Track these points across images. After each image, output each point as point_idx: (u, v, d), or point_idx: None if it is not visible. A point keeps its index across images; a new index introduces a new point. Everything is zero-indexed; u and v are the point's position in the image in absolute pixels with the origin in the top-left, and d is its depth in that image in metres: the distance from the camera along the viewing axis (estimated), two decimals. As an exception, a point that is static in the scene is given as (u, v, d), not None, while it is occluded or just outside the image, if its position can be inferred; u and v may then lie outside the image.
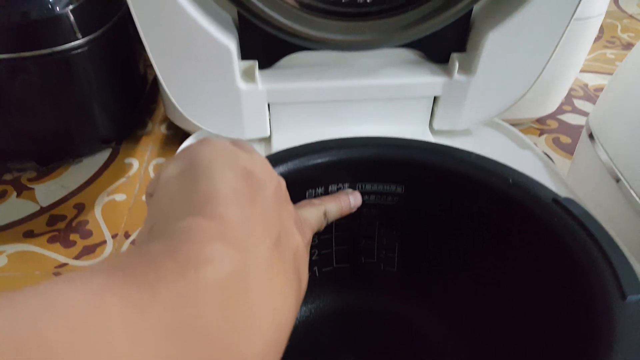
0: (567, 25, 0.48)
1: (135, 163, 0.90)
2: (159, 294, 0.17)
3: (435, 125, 0.56)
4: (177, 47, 0.46)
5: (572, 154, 0.91)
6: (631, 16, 1.50)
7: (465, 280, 0.45)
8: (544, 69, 0.51)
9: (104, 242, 0.73)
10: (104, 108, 0.84)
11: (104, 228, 0.76)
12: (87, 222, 0.77)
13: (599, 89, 1.11)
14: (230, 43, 0.46)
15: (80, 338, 0.15)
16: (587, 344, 0.30)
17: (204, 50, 0.46)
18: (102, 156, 0.91)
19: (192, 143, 0.28)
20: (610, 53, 1.27)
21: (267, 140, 0.55)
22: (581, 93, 1.09)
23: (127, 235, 0.74)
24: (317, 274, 0.47)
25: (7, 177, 0.86)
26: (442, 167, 0.42)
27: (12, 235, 0.75)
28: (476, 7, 0.50)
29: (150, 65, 0.73)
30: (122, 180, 0.86)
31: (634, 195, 0.49)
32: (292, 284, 0.24)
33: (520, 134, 0.56)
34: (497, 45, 0.49)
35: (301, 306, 0.27)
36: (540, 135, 0.96)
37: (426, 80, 0.52)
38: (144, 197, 0.81)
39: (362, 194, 0.43)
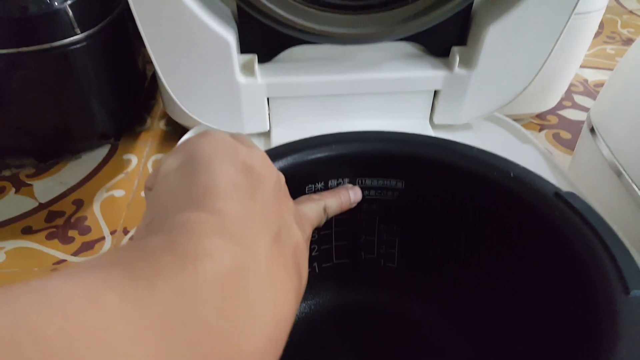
0: (568, 19, 0.48)
1: (134, 159, 0.89)
2: (157, 289, 0.17)
3: (436, 120, 0.56)
4: (176, 41, 0.46)
5: (572, 149, 0.91)
6: (631, 12, 1.49)
7: (465, 275, 0.45)
8: (544, 63, 0.51)
9: (103, 238, 0.73)
10: (103, 104, 0.83)
11: (103, 224, 0.75)
12: (85, 218, 0.76)
13: (599, 85, 1.10)
14: (229, 36, 0.46)
15: (77, 334, 0.14)
16: (590, 339, 0.30)
17: (203, 44, 0.46)
18: (101, 152, 0.91)
19: (192, 136, 0.27)
20: (610, 49, 1.27)
21: (267, 134, 0.55)
22: (581, 88, 1.09)
23: (125, 232, 0.74)
24: (317, 270, 0.47)
25: (6, 173, 0.86)
26: (443, 162, 0.42)
27: (11, 231, 0.74)
28: (477, 1, 0.50)
29: (150, 61, 0.72)
30: (121, 176, 0.85)
31: (636, 189, 0.49)
32: (292, 279, 0.24)
33: (521, 128, 0.56)
34: (498, 39, 0.49)
35: (301, 302, 0.27)
36: (540, 130, 0.96)
37: (427, 74, 0.52)
38: (142, 193, 0.81)
39: (362, 189, 0.43)
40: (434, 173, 0.43)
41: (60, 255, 0.70)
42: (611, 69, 1.16)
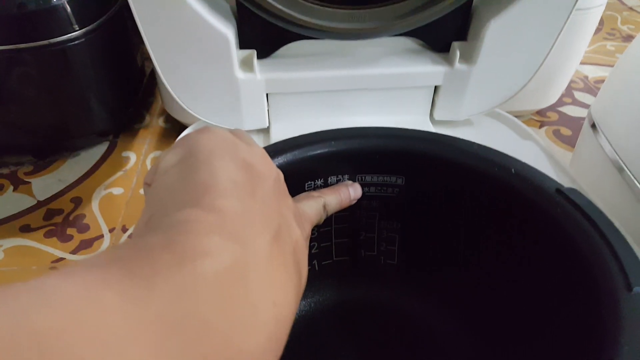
0: (569, 15, 0.47)
1: (132, 156, 0.89)
2: (156, 288, 0.17)
3: (436, 116, 0.56)
4: (174, 37, 0.46)
5: (572, 146, 0.90)
6: (631, 8, 1.49)
7: (466, 272, 0.44)
8: (545, 59, 0.51)
9: (101, 236, 0.73)
10: (101, 101, 0.83)
11: (101, 222, 0.75)
12: (84, 216, 0.76)
13: (599, 81, 1.10)
14: (228, 32, 0.46)
15: (76, 333, 0.14)
16: (593, 336, 0.29)
17: (202, 39, 0.46)
18: (100, 149, 0.91)
19: (192, 132, 0.27)
20: (610, 45, 1.26)
21: (266, 131, 0.55)
22: (581, 85, 1.09)
23: (124, 230, 0.74)
24: (317, 268, 0.47)
25: (4, 171, 0.86)
26: (444, 158, 0.42)
27: (9, 229, 0.74)
28: (477, -5, 0.50)
29: (148, 58, 0.72)
30: (120, 173, 0.85)
31: (638, 184, 0.48)
32: (292, 278, 0.24)
33: (522, 124, 0.56)
34: (498, 34, 0.48)
35: (301, 300, 0.27)
36: (540, 127, 0.96)
37: (427, 69, 0.52)
38: (141, 191, 0.81)
39: (362, 185, 0.43)
40: (434, 169, 0.43)
41: (58, 253, 0.70)
42: (611, 66, 1.16)
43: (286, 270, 0.23)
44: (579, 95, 1.05)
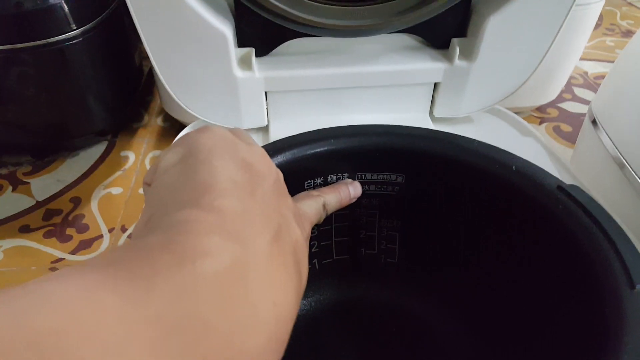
0: (569, 10, 0.47)
1: (131, 156, 0.89)
2: (156, 289, 0.17)
3: (436, 113, 0.56)
4: (172, 36, 0.45)
5: (572, 142, 0.90)
6: (630, 3, 1.48)
7: (467, 271, 0.44)
8: (545, 55, 0.50)
9: (101, 236, 0.72)
10: (100, 100, 0.83)
11: (101, 222, 0.75)
12: (83, 216, 0.76)
13: (599, 77, 1.10)
14: (226, 30, 0.45)
15: (74, 336, 0.14)
16: (596, 335, 0.29)
17: (200, 37, 0.45)
18: (98, 149, 0.90)
19: (191, 131, 0.27)
20: (609, 40, 1.26)
21: (265, 129, 0.55)
22: (581, 81, 1.08)
23: (123, 229, 0.74)
24: (317, 267, 0.47)
25: (3, 171, 0.85)
26: (444, 155, 0.42)
27: (8, 230, 0.74)
28: (477, -8, 0.50)
29: (146, 57, 0.72)
30: (119, 173, 0.85)
31: (639, 180, 0.48)
32: (292, 278, 0.24)
33: (522, 121, 0.56)
34: (498, 30, 0.48)
35: (301, 299, 0.27)
36: (540, 123, 0.95)
37: (426, 66, 0.51)
38: (141, 190, 0.81)
39: (362, 183, 0.43)
40: (434, 167, 0.42)
41: (58, 253, 0.70)
42: (611, 61, 1.16)
43: (286, 270, 0.23)
44: (578, 91, 1.05)
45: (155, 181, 0.25)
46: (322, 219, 0.36)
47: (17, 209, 0.78)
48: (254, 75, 0.49)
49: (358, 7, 0.46)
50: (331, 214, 0.39)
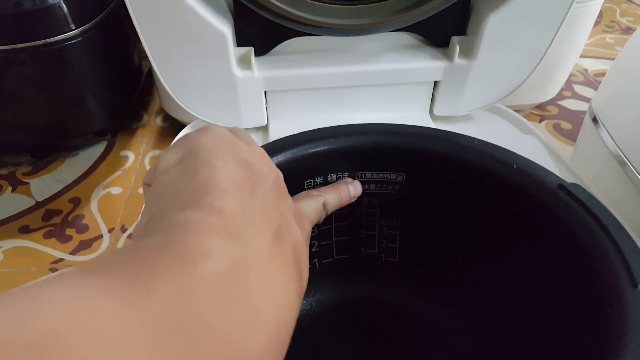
0: (569, 8, 0.47)
1: (131, 156, 0.89)
2: (156, 291, 0.17)
3: (436, 111, 0.55)
4: (171, 35, 0.45)
5: (573, 139, 0.90)
6: (630, 0, 1.48)
7: (468, 270, 0.44)
8: (545, 52, 0.50)
9: (100, 236, 0.72)
10: (99, 100, 0.83)
11: (100, 222, 0.75)
12: (83, 216, 0.76)
13: (599, 74, 1.10)
14: (225, 29, 0.45)
15: (73, 338, 0.14)
16: (597, 334, 0.29)
17: (199, 37, 0.45)
18: (98, 149, 0.90)
19: (192, 131, 0.27)
20: (609, 38, 1.26)
21: (264, 128, 0.54)
22: (581, 78, 1.08)
23: (123, 229, 0.74)
24: (317, 266, 0.47)
25: (2, 171, 0.85)
26: (444, 154, 0.42)
27: (8, 230, 0.74)
28: (476, -11, 0.49)
29: (145, 57, 0.71)
30: (118, 173, 0.85)
31: (640, 179, 0.48)
32: (293, 279, 0.24)
33: (523, 119, 0.55)
34: (498, 28, 0.48)
35: (302, 300, 0.27)
36: (540, 121, 0.95)
37: (426, 64, 0.51)
38: (140, 190, 0.81)
39: (362, 183, 0.43)
40: (435, 165, 0.42)
41: (58, 254, 0.70)
42: (611, 58, 1.16)
43: (287, 271, 0.23)
44: (578, 89, 1.05)
45: (155, 181, 0.25)
46: (322, 219, 0.36)
47: (16, 209, 0.78)
48: (253, 75, 0.49)
49: (358, 6, 0.46)
50: (331, 213, 0.39)
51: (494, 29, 0.48)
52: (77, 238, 0.72)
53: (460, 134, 0.42)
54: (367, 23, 0.47)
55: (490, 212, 0.41)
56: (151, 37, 0.45)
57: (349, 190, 0.40)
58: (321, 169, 0.42)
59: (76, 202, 0.79)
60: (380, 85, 0.53)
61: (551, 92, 0.93)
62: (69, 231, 0.74)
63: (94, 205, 0.78)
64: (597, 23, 1.30)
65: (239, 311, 0.19)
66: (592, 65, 1.13)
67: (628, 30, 1.30)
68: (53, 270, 0.67)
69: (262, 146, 0.37)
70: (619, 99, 0.54)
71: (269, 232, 0.23)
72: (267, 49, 0.51)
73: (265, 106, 0.53)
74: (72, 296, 0.15)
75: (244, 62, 0.49)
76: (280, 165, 0.38)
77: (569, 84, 1.05)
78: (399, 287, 0.47)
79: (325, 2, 0.46)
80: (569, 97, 1.02)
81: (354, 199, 0.41)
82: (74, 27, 0.72)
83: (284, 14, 0.45)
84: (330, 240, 0.47)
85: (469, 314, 0.44)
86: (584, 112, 0.96)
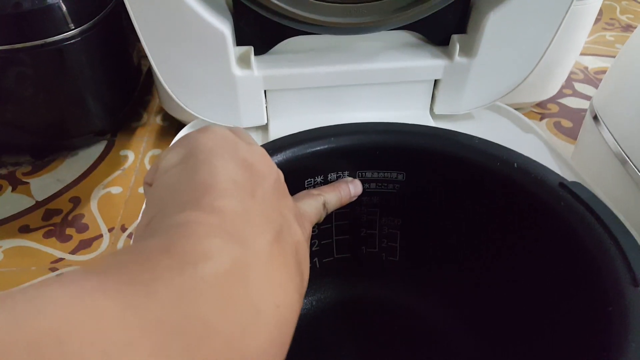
0: (569, 6, 0.47)
1: (130, 155, 0.88)
2: (155, 292, 0.17)
3: (436, 110, 0.55)
4: (170, 35, 0.45)
5: (573, 137, 0.90)
6: (630, -2, 1.48)
7: (468, 269, 0.44)
8: (546, 50, 0.50)
9: (100, 235, 0.72)
10: (98, 99, 0.83)
11: (100, 221, 0.75)
12: (82, 215, 0.76)
13: (599, 72, 1.10)
14: (224, 28, 0.45)
15: (73, 340, 0.14)
16: (599, 333, 0.29)
17: (198, 36, 0.45)
18: (97, 149, 0.90)
19: (192, 131, 0.27)
20: (609, 35, 1.26)
21: (264, 128, 0.54)
22: (581, 76, 1.08)
23: (123, 229, 0.73)
24: (318, 265, 0.47)
25: (2, 171, 0.85)
26: (444, 153, 0.41)
27: (8, 230, 0.74)
28: (476, -13, 0.49)
29: (145, 56, 0.71)
30: (118, 172, 0.84)
31: (641, 177, 0.48)
32: (294, 278, 0.23)
33: (523, 117, 0.55)
34: (498, 26, 0.48)
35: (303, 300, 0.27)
36: (541, 119, 0.95)
37: (426, 63, 0.51)
38: (140, 189, 0.81)
39: (363, 181, 0.43)
40: (435, 164, 0.42)
41: (58, 253, 0.70)
42: (611, 56, 1.16)
43: (288, 271, 0.23)
44: (579, 87, 1.05)
45: (156, 181, 0.25)
46: (323, 218, 0.36)
47: (16, 209, 0.78)
48: (252, 74, 0.49)
49: (357, 5, 0.46)
50: (332, 213, 0.39)
51: (494, 27, 0.48)
52: (77, 237, 0.72)
53: (460, 133, 0.42)
54: (367, 22, 0.47)
55: (491, 210, 0.41)
56: (150, 37, 0.45)
57: (349, 189, 0.40)
58: (321, 168, 0.42)
59: (76, 201, 0.79)
60: (380, 84, 0.53)
61: (551, 90, 0.93)
62: (69, 231, 0.73)
63: (93, 205, 0.78)
64: (597, 20, 1.30)
65: (240, 312, 0.19)
66: (593, 63, 1.13)
67: (628, 28, 1.30)
68: (53, 269, 0.67)
69: (262, 145, 0.37)
70: (620, 97, 0.54)
71: (270, 233, 0.23)
72: (266, 48, 0.51)
73: (265, 105, 0.53)
74: (73, 297, 0.15)
75: (244, 62, 0.49)
76: (280, 165, 0.38)
77: (569, 82, 1.05)
78: (399, 286, 0.47)
79: (324, 1, 0.46)
80: (569, 95, 1.02)
81: (354, 198, 0.41)
82: (73, 27, 0.72)
83: (283, 13, 0.45)
84: (330, 239, 0.46)
85: (470, 314, 0.44)
86: (584, 110, 0.96)
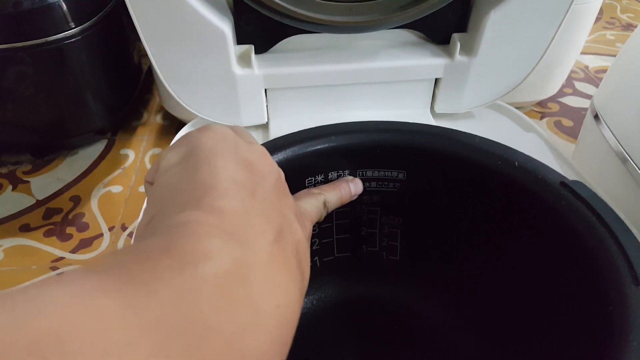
0: (570, 5, 0.47)
1: (131, 154, 0.88)
2: (155, 292, 0.17)
3: (437, 109, 0.55)
4: (171, 33, 0.45)
5: (574, 136, 0.90)
6: (630, -3, 1.48)
7: (469, 268, 0.44)
8: (547, 49, 0.50)
9: (101, 234, 0.72)
10: (99, 98, 0.83)
11: (101, 220, 0.75)
12: (83, 214, 0.76)
13: (600, 71, 1.10)
14: (225, 27, 0.45)
15: (73, 340, 0.14)
16: (600, 332, 0.29)
17: (199, 35, 0.45)
18: (98, 148, 0.90)
19: (193, 130, 0.27)
20: (610, 34, 1.26)
21: (265, 126, 0.54)
22: (582, 75, 1.08)
23: (123, 228, 0.73)
24: (318, 264, 0.47)
25: (3, 170, 0.85)
26: (445, 151, 0.41)
27: (8, 229, 0.74)
28: (477, -14, 0.49)
29: (145, 55, 0.71)
30: (118, 171, 0.84)
31: (642, 176, 0.48)
32: (295, 278, 0.23)
33: (524, 116, 0.55)
34: (498, 24, 0.48)
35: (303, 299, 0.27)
36: (541, 118, 0.95)
37: (427, 62, 0.51)
38: (140, 188, 0.81)
39: (363, 180, 0.42)
40: (435, 163, 0.42)
41: (58, 252, 0.70)
42: (612, 55, 1.16)
43: (288, 271, 0.23)
44: (579, 86, 1.04)
45: (157, 180, 0.25)
46: (323, 217, 0.36)
47: (17, 208, 0.78)
48: (253, 73, 0.49)
49: (358, 3, 0.46)
50: (332, 211, 0.39)
51: (495, 26, 0.48)
52: (77, 236, 0.72)
53: (461, 132, 0.42)
54: (367, 20, 0.47)
55: (492, 209, 0.41)
56: (151, 36, 0.45)
57: (350, 188, 0.40)
58: (322, 167, 0.42)
59: (76, 200, 0.79)
60: (380, 83, 0.53)
61: (552, 89, 0.93)
62: (70, 230, 0.74)
63: (94, 204, 0.78)
64: (597, 19, 1.30)
65: (240, 312, 0.19)
66: (593, 62, 1.13)
67: (629, 27, 1.30)
68: (53, 268, 0.67)
69: (262, 144, 0.37)
70: (621, 96, 0.54)
71: (270, 232, 0.23)
72: (267, 47, 0.51)
73: (265, 104, 0.52)
74: (73, 297, 0.15)
75: (244, 60, 0.49)
76: (280, 164, 0.38)
77: (569, 81, 1.05)
78: (399, 285, 0.47)
79: (325, 0, 0.45)
80: (569, 94, 1.02)
81: (355, 197, 0.41)
82: (73, 26, 0.72)
83: (283, 12, 0.45)
84: (331, 238, 0.46)
85: (470, 313, 0.44)
86: (584, 109, 0.96)
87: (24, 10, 0.67)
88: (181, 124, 0.82)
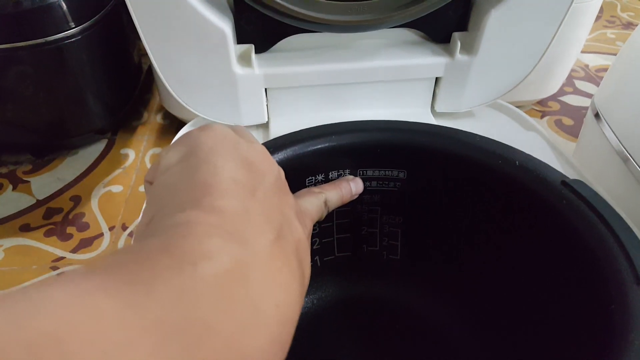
0: (571, 3, 0.47)
1: (131, 154, 0.88)
2: (155, 292, 0.17)
3: (438, 108, 0.55)
4: (171, 33, 0.45)
5: (574, 135, 0.90)
6: (631, -5, 1.48)
7: (470, 267, 0.44)
8: (547, 48, 0.50)
9: (101, 234, 0.72)
10: (99, 98, 0.83)
11: (101, 220, 0.75)
12: (83, 214, 0.76)
13: (600, 70, 1.10)
14: (225, 27, 0.45)
15: (72, 340, 0.14)
16: (601, 332, 0.29)
17: (199, 34, 0.45)
18: (98, 147, 0.90)
19: (193, 129, 0.27)
20: (610, 33, 1.26)
21: (265, 126, 0.54)
22: (582, 74, 1.08)
23: (124, 227, 0.73)
24: (319, 264, 0.47)
25: (3, 170, 0.85)
26: (446, 151, 0.41)
27: (8, 229, 0.74)
28: (478, -15, 0.49)
29: (145, 55, 0.71)
30: (119, 171, 0.85)
31: (643, 175, 0.48)
32: (295, 277, 0.23)
33: (525, 115, 0.55)
34: (499, 24, 0.48)
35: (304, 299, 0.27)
36: (542, 117, 0.95)
37: (427, 61, 0.51)
38: (141, 188, 0.81)
39: (364, 180, 0.42)
40: (436, 162, 0.42)
41: (59, 252, 0.70)
42: (612, 54, 1.16)
43: (289, 270, 0.23)
44: (580, 84, 1.04)
45: (157, 180, 0.25)
46: (324, 216, 0.36)
47: (17, 207, 0.78)
48: (253, 72, 0.49)
49: (358, 3, 0.46)
50: (333, 211, 0.39)
51: (495, 25, 0.48)
52: (77, 236, 0.72)
53: (461, 131, 0.42)
54: (368, 20, 0.47)
55: (492, 209, 0.41)
56: (151, 35, 0.45)
57: (350, 187, 0.40)
58: (322, 166, 0.42)
59: (77, 200, 0.79)
60: (381, 82, 0.53)
61: (552, 88, 0.93)
62: (70, 229, 0.74)
63: (94, 204, 0.78)
64: (597, 18, 1.30)
65: (240, 312, 0.19)
66: (593, 61, 1.13)
67: (629, 26, 1.30)
68: (54, 268, 0.67)
69: (262, 143, 0.37)
70: (622, 95, 0.54)
71: (270, 232, 0.23)
72: (267, 46, 0.51)
73: (265, 103, 0.52)
74: (72, 297, 0.15)
75: (244, 60, 0.49)
76: (281, 163, 0.38)
77: (570, 80, 1.05)
78: (400, 285, 0.47)
79: (325, -1, 0.45)
80: (570, 93, 1.02)
81: (355, 196, 0.41)
82: (73, 26, 0.72)
83: (284, 11, 0.45)
84: (331, 238, 0.46)
85: (470, 312, 0.44)
86: (585, 108, 0.96)
87: (24, 10, 0.67)
88: (181, 124, 0.82)
